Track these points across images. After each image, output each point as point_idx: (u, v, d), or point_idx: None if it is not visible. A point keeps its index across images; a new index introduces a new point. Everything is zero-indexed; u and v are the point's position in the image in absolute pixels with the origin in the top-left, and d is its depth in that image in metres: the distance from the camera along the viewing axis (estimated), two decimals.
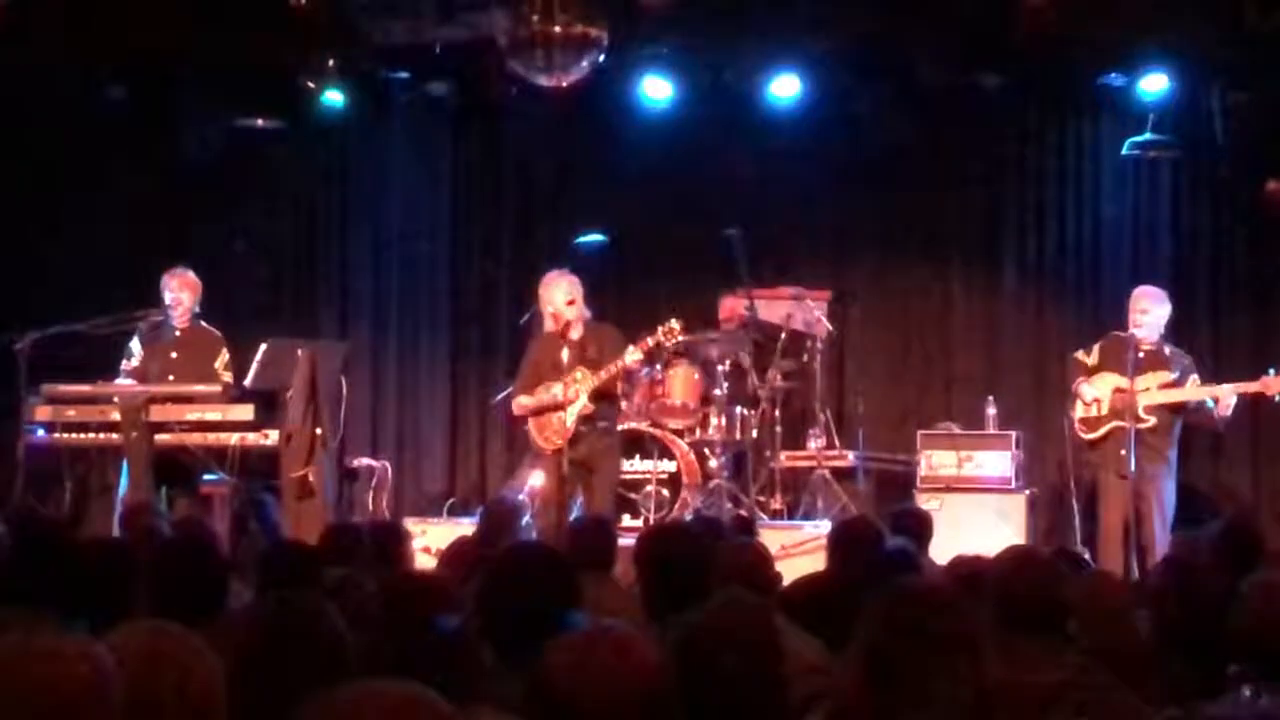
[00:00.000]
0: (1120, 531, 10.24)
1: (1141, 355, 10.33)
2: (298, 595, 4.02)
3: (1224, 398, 10.32)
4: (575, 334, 10.26)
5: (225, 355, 11.02)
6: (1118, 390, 10.35)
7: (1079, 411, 10.59)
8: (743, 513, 10.78)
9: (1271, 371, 10.28)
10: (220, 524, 10.36)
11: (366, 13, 11.86)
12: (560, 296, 10.32)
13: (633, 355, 10.16)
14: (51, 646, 2.68)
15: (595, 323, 10.50)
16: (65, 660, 2.65)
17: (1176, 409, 10.47)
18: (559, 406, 10.19)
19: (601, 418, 10.31)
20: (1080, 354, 10.77)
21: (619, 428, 10.84)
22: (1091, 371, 10.60)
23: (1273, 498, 12.09)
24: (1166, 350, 10.54)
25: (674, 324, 10.29)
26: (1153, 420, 10.31)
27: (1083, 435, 10.59)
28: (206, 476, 10.71)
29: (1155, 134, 11.87)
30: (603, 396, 10.28)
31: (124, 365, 10.97)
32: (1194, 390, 10.44)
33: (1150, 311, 10.47)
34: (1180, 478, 10.65)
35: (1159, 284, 10.91)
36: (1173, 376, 10.42)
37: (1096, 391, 10.49)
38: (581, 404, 10.12)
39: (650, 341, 10.25)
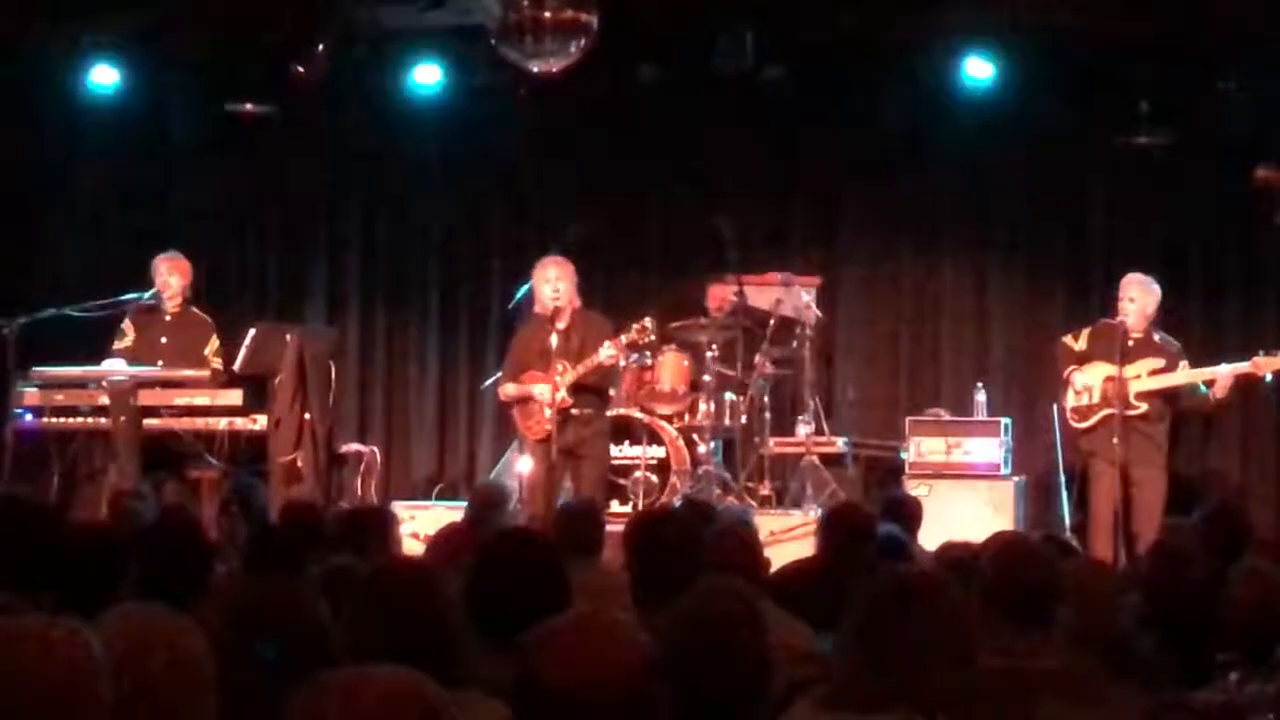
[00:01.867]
0: (1110, 519, 10.27)
1: (1131, 343, 10.36)
2: (274, 580, 4.03)
3: (1220, 380, 10.35)
4: (561, 323, 10.25)
5: (215, 341, 11.03)
6: (1109, 379, 10.38)
7: (1070, 400, 10.62)
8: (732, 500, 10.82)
9: (1261, 353, 10.33)
10: (209, 509, 10.36)
11: None
12: (545, 284, 10.31)
13: (607, 352, 10.16)
14: (37, 630, 2.68)
15: (585, 311, 10.49)
16: (51, 644, 2.65)
17: (1169, 396, 10.50)
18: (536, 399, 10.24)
19: (585, 406, 10.30)
20: (1068, 339, 10.79)
21: (609, 413, 10.86)
22: (1080, 357, 10.63)
23: (1261, 483, 12.12)
24: (1156, 338, 10.56)
25: (647, 323, 10.31)
26: (1144, 407, 10.34)
27: (1075, 424, 10.62)
28: (195, 461, 10.72)
29: (1146, 122, 11.88)
30: (584, 388, 10.27)
31: (116, 345, 10.97)
32: (1186, 374, 10.47)
33: (1136, 300, 10.50)
34: (1170, 465, 10.68)
35: (1150, 271, 10.92)
36: (1162, 363, 10.46)
37: (1088, 380, 10.52)
38: (560, 397, 10.12)
39: (624, 340, 10.27)
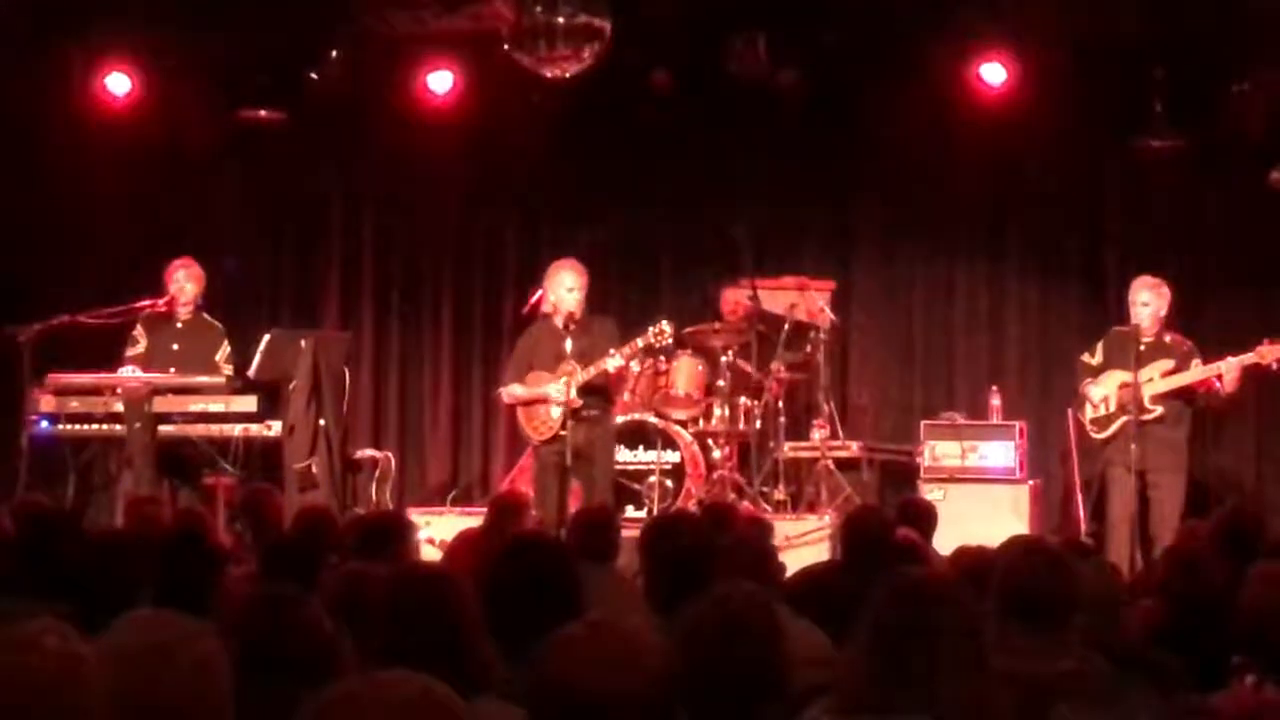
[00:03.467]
0: (1127, 524, 10.27)
1: (1143, 347, 10.35)
2: (278, 590, 4.03)
3: (1228, 373, 10.34)
4: (572, 325, 10.27)
5: (226, 348, 11.06)
6: (1123, 385, 10.39)
7: (1088, 413, 10.61)
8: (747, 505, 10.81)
9: (1265, 341, 10.32)
10: (224, 515, 10.38)
11: (370, 3, 11.86)
12: (562, 286, 10.32)
13: (615, 362, 10.18)
14: (28, 636, 2.68)
15: (590, 315, 10.50)
16: (43, 651, 2.65)
17: (1184, 395, 10.48)
18: (548, 400, 10.24)
19: (592, 407, 10.32)
20: (1085, 356, 10.81)
21: (618, 419, 10.89)
22: (1097, 371, 10.63)
23: (1276, 485, 12.10)
24: (1167, 339, 10.56)
25: (664, 325, 10.33)
26: (1160, 410, 10.33)
27: (1095, 436, 10.58)
28: (209, 468, 10.73)
29: (1161, 125, 11.86)
30: (591, 390, 10.28)
31: (129, 352, 10.99)
32: (1195, 372, 10.45)
33: (1151, 303, 10.50)
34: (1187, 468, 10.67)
35: (1165, 274, 10.91)
36: (1173, 364, 10.45)
37: (1103, 391, 10.52)
38: (571, 396, 10.13)
39: (640, 344, 10.28)
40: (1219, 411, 11.17)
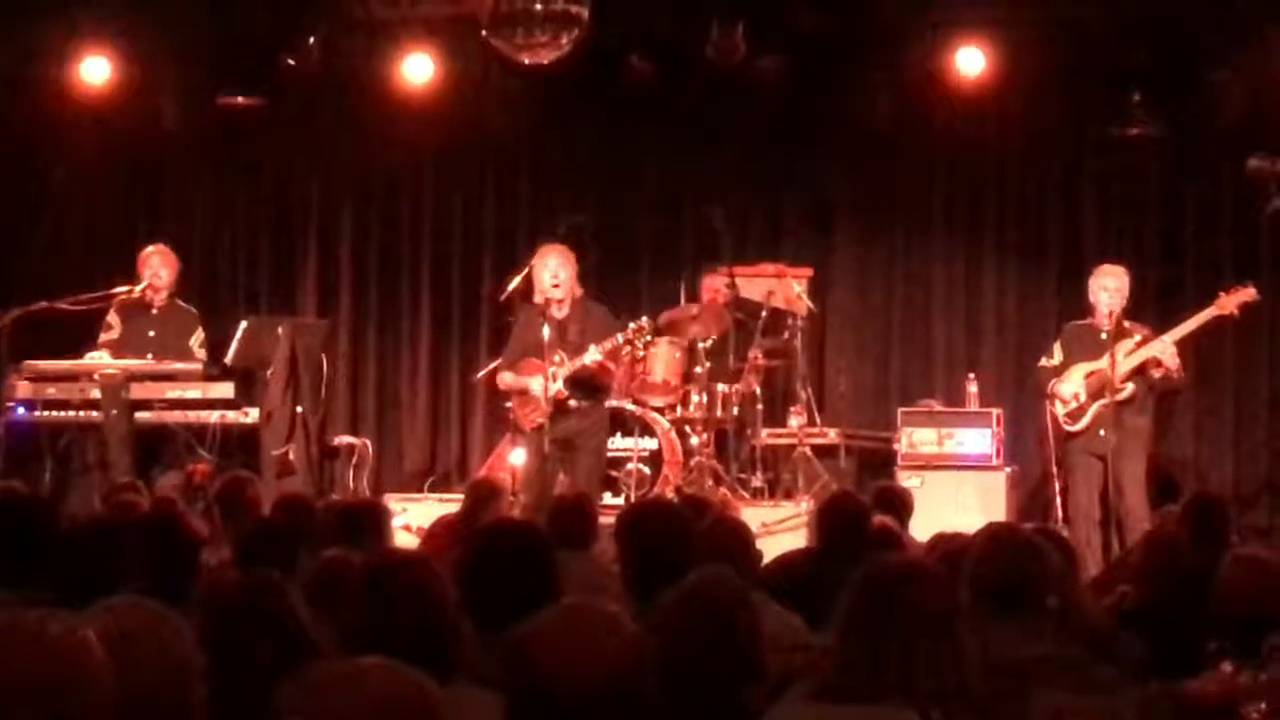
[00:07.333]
0: (1096, 510, 10.32)
1: (1104, 336, 10.40)
2: (252, 575, 4.04)
3: (1165, 350, 10.35)
4: (560, 312, 10.25)
5: (200, 333, 11.05)
6: (1089, 374, 10.43)
7: (1060, 410, 10.59)
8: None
9: (1221, 294, 10.36)
10: (201, 502, 10.36)
11: None
12: (546, 271, 10.30)
13: (591, 356, 10.17)
14: (34, 625, 2.68)
15: (588, 301, 10.48)
16: (48, 639, 2.64)
17: (1143, 371, 10.47)
18: (529, 391, 10.25)
19: (582, 398, 10.31)
20: (1044, 361, 10.87)
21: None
22: (1059, 371, 10.65)
23: (1252, 475, 12.13)
24: (1125, 324, 10.55)
25: (644, 323, 10.34)
26: (1131, 387, 10.36)
27: (1070, 428, 10.57)
28: (187, 454, 10.71)
29: (1138, 113, 11.87)
30: (581, 381, 10.27)
31: (102, 337, 10.97)
32: (1159, 342, 10.44)
33: (1120, 289, 10.53)
34: (1156, 455, 10.69)
35: (1143, 263, 10.95)
36: (1137, 339, 10.49)
37: (1073, 386, 10.52)
38: (556, 389, 10.11)
39: (620, 339, 10.28)
40: (1171, 390, 11.11)
